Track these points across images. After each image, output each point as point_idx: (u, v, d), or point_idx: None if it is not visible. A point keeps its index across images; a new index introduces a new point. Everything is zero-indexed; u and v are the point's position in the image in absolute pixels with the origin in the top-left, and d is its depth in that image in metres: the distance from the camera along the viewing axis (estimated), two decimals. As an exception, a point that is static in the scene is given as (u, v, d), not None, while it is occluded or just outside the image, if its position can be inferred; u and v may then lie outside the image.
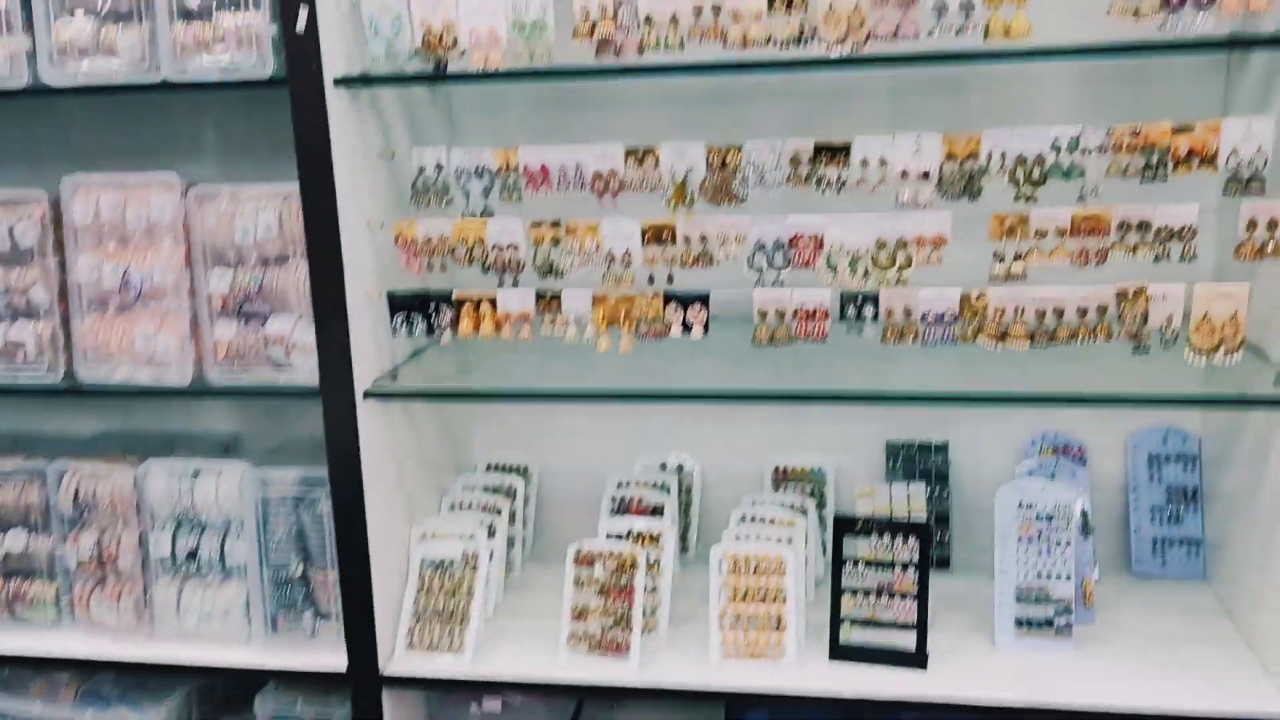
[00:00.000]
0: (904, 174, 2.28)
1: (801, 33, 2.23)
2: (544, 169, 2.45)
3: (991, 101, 2.61)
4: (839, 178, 2.30)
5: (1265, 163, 2.17)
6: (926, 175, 2.26)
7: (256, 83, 2.35)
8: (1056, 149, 2.23)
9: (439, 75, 2.49)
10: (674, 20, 2.31)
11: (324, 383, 2.59)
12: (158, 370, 2.67)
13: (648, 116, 2.74)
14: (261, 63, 2.37)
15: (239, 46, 2.36)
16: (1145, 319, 2.27)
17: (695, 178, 2.34)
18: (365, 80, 2.52)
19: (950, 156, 2.26)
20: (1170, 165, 2.18)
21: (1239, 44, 2.28)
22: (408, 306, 2.59)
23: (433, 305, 2.55)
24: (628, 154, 2.38)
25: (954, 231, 2.27)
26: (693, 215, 2.38)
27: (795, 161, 2.32)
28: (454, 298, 2.49)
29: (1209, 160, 2.18)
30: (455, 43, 2.45)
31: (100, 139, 2.90)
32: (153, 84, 2.40)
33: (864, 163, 2.29)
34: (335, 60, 2.39)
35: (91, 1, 2.41)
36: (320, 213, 2.52)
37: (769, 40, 2.24)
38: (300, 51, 2.32)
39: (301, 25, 2.33)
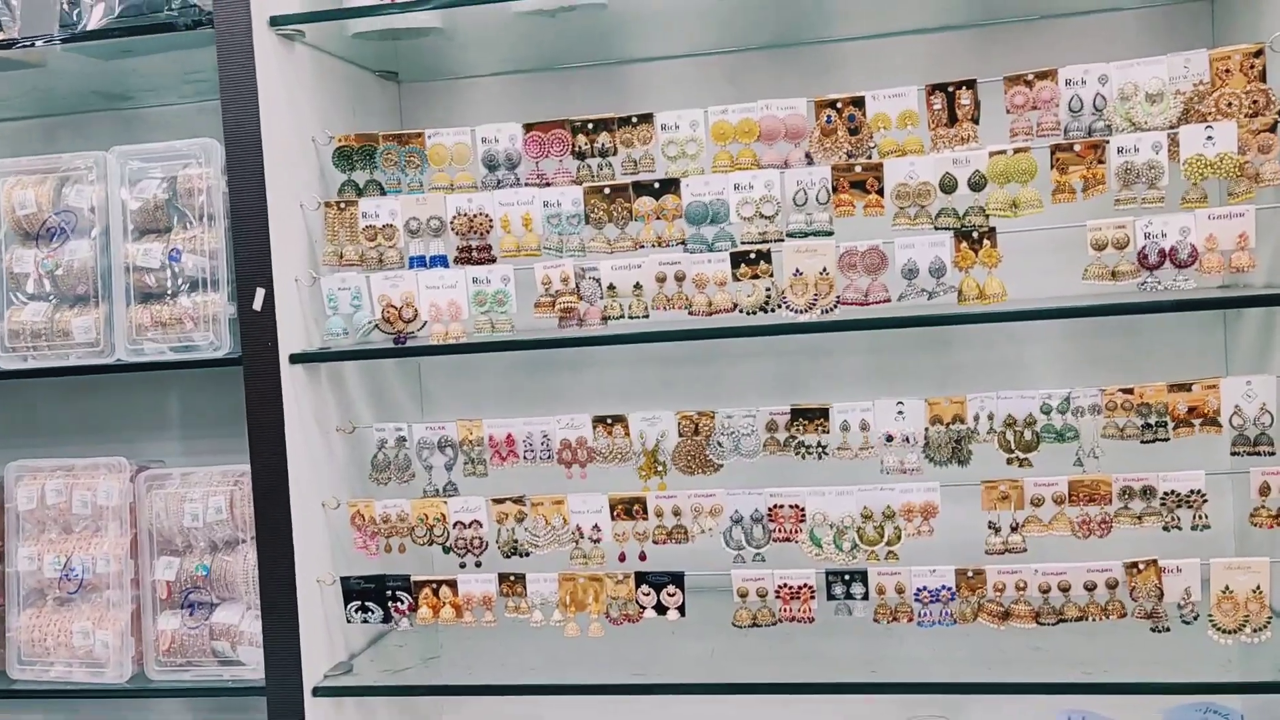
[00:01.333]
0: (889, 438, 2.15)
1: (769, 299, 2.16)
2: (510, 439, 2.30)
3: (977, 356, 2.55)
4: (819, 444, 2.19)
5: (1271, 421, 2.06)
6: (910, 440, 2.14)
7: (212, 361, 2.30)
8: (1047, 410, 2.13)
9: (398, 349, 2.34)
10: (637, 288, 2.20)
11: (270, 679, 2.28)
12: (94, 669, 2.38)
13: (621, 376, 2.69)
14: (218, 342, 2.31)
15: (196, 326, 2.31)
16: (1160, 594, 2.03)
17: (668, 444, 2.24)
18: (323, 356, 2.38)
19: (935, 420, 2.14)
20: (1170, 425, 2.07)
21: (1227, 304, 2.21)
22: (363, 594, 2.33)
23: (390, 591, 2.29)
24: (596, 422, 2.25)
25: (944, 499, 2.14)
26: (665, 486, 2.26)
27: (772, 427, 2.21)
28: (412, 582, 2.23)
29: (1211, 420, 2.07)
30: (415, 315, 2.31)
31: (54, 419, 2.81)
32: (107, 365, 2.32)
33: (844, 427, 2.16)
34: (293, 336, 2.33)
35: (46, 288, 2.37)
36: (271, 493, 2.31)
37: (735, 306, 2.15)
38: (257, 329, 2.28)
39: (259, 304, 2.24)
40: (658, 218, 2.25)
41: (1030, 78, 2.16)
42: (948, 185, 2.15)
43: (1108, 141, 2.08)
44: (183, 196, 2.28)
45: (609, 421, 2.27)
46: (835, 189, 2.18)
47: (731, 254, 2.20)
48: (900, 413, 2.18)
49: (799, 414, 2.21)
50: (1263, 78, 2.05)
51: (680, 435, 2.25)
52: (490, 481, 2.36)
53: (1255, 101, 2.03)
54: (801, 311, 2.16)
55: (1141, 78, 2.09)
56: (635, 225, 2.26)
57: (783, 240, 2.19)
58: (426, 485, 2.36)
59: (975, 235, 2.12)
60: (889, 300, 2.14)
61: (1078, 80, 2.14)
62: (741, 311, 2.19)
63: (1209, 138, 2.01)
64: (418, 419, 2.74)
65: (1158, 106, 2.06)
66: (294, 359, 2.29)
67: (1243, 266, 2.01)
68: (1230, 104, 2.03)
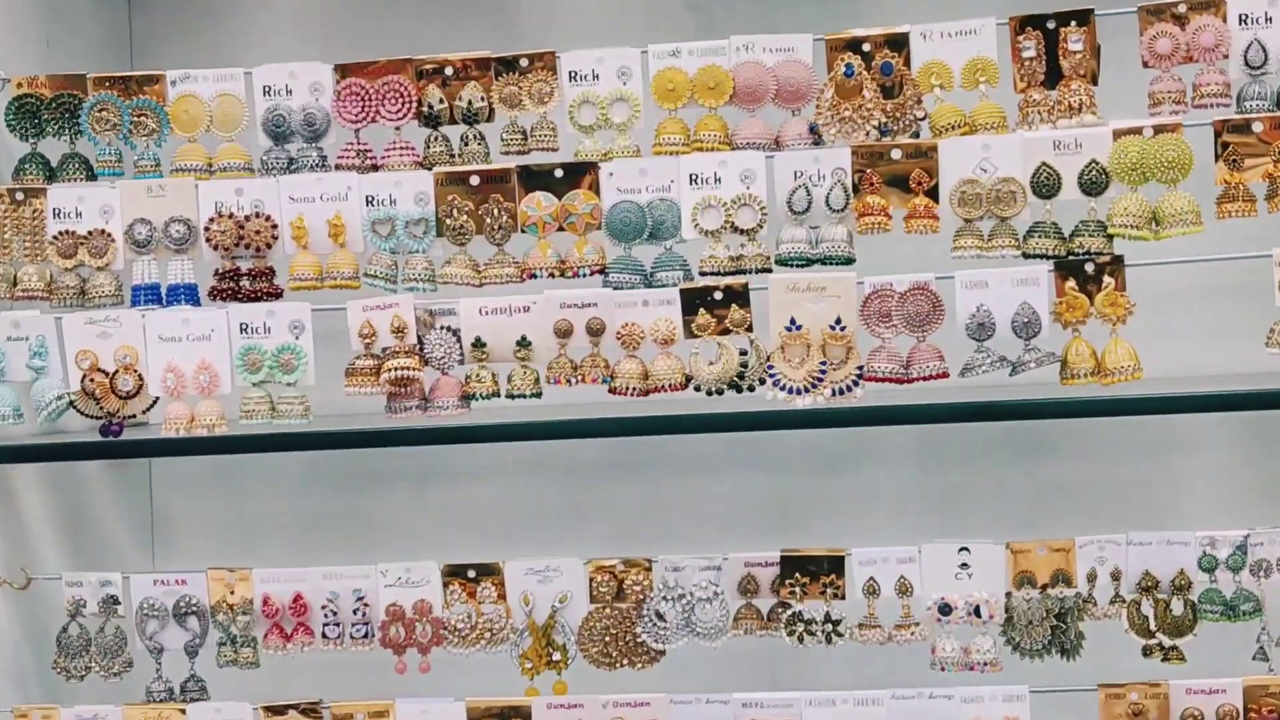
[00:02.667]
0: (945, 608, 2.21)
1: (745, 368, 2.19)
2: (300, 603, 2.31)
3: (1092, 470, 2.60)
4: (828, 618, 2.23)
5: None
6: (981, 612, 2.19)
7: None
8: (1209, 566, 2.17)
9: (109, 445, 2.30)
10: (523, 345, 2.26)
11: None
12: None
13: (494, 495, 2.75)
14: None
15: None
16: None
17: (571, 615, 2.28)
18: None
19: (1024, 580, 2.20)
20: None
21: None
22: None
23: None
24: (449, 575, 2.30)
25: (1038, 710, 2.17)
26: (566, 688, 2.27)
27: (749, 588, 2.27)
28: None
29: None
30: (140, 387, 2.27)
31: None
32: None
33: (871, 590, 2.23)
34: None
35: None
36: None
37: (687, 381, 2.23)
38: None
39: None
40: (561, 227, 2.22)
41: (1182, 9, 2.16)
42: (1046, 184, 2.16)
43: None
44: None
45: (471, 575, 2.25)
46: (859, 186, 2.18)
47: (684, 291, 2.20)
48: (964, 566, 2.18)
49: (794, 565, 2.20)
50: None
51: (593, 600, 2.25)
52: (265, 676, 2.32)
53: None
54: (799, 391, 2.15)
55: None
56: (522, 240, 2.24)
57: (769, 270, 2.19)
58: (152, 683, 2.33)
59: (1091, 269, 2.11)
60: (946, 375, 2.17)
61: (1260, 16, 2.14)
62: (700, 389, 2.18)
63: None
64: (142, 566, 2.70)
65: None
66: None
67: None
68: None
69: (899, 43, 2.22)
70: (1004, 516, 2.57)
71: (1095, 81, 2.19)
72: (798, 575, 2.21)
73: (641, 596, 2.24)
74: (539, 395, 2.23)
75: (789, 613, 2.21)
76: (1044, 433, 2.57)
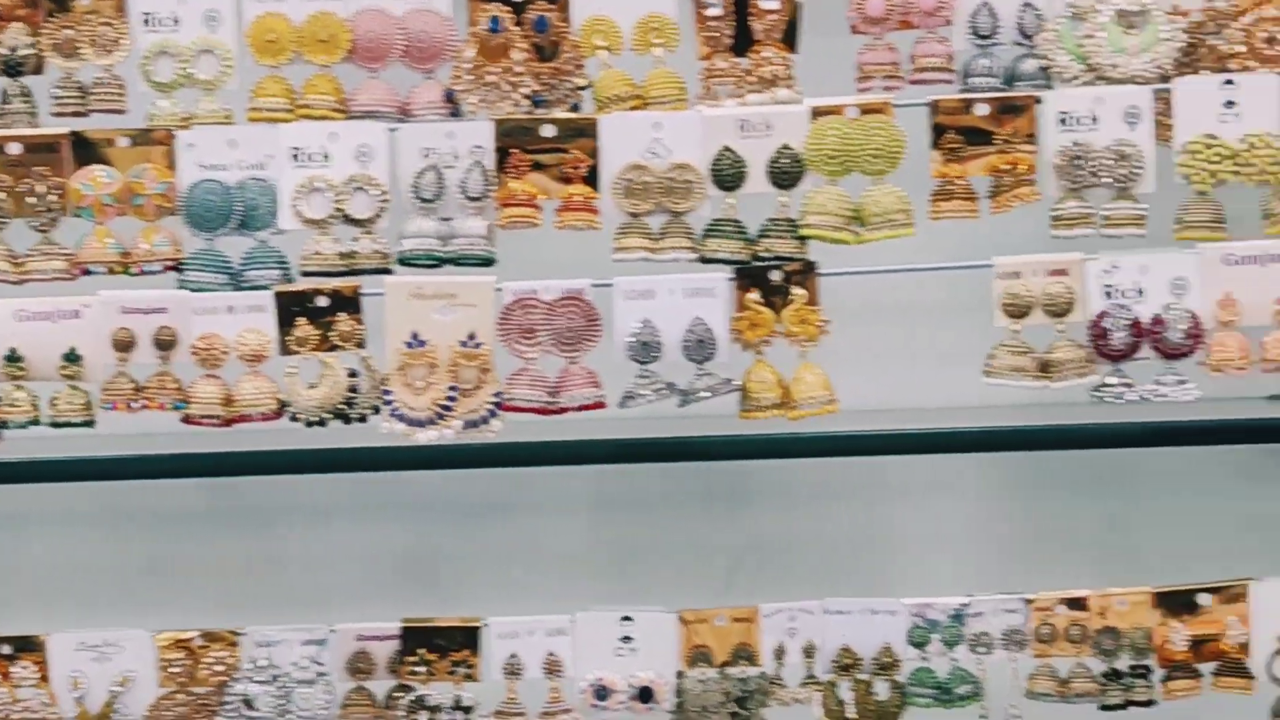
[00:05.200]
0: (601, 692, 2.08)
1: (355, 394, 2.07)
2: None
3: (780, 524, 2.54)
4: (458, 704, 2.09)
5: None
6: (646, 698, 2.06)
7: None
8: (920, 640, 2.08)
9: None
10: (72, 362, 2.05)
11: None
12: None
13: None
14: None
15: None
16: None
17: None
18: None
19: (698, 656, 2.08)
20: (1158, 673, 2.07)
21: (1251, 434, 2.25)
22: None
23: None
24: None
25: None
26: None
27: (360, 666, 2.11)
28: None
29: (1234, 667, 2.06)
30: None
31: None
32: None
33: (512, 670, 2.07)
34: None
35: None
36: None
37: (281, 408, 2.10)
38: None
39: None
40: (125, 211, 2.12)
41: None
42: (729, 173, 2.04)
43: (1039, 100, 2.01)
44: None
45: (5, 652, 2.13)
46: (504, 168, 2.06)
47: (280, 295, 2.10)
48: (627, 639, 2.11)
49: (418, 639, 2.13)
50: None
51: (163, 683, 2.14)
52: None
53: None
54: (422, 423, 2.02)
55: None
56: (75, 225, 2.13)
57: (388, 272, 2.07)
58: None
59: (778, 277, 2.04)
60: (603, 405, 2.06)
61: None
62: (298, 419, 2.08)
63: (1229, 104, 1.98)
64: None
65: (1137, 36, 2.02)
66: None
67: None
68: (1274, 37, 2.01)
69: None
70: (683, 578, 2.50)
71: (795, 49, 2.03)
72: (423, 651, 2.11)
73: (224, 678, 2.10)
74: (91, 424, 2.09)
75: (410, 698, 2.11)
76: (731, 478, 2.49)
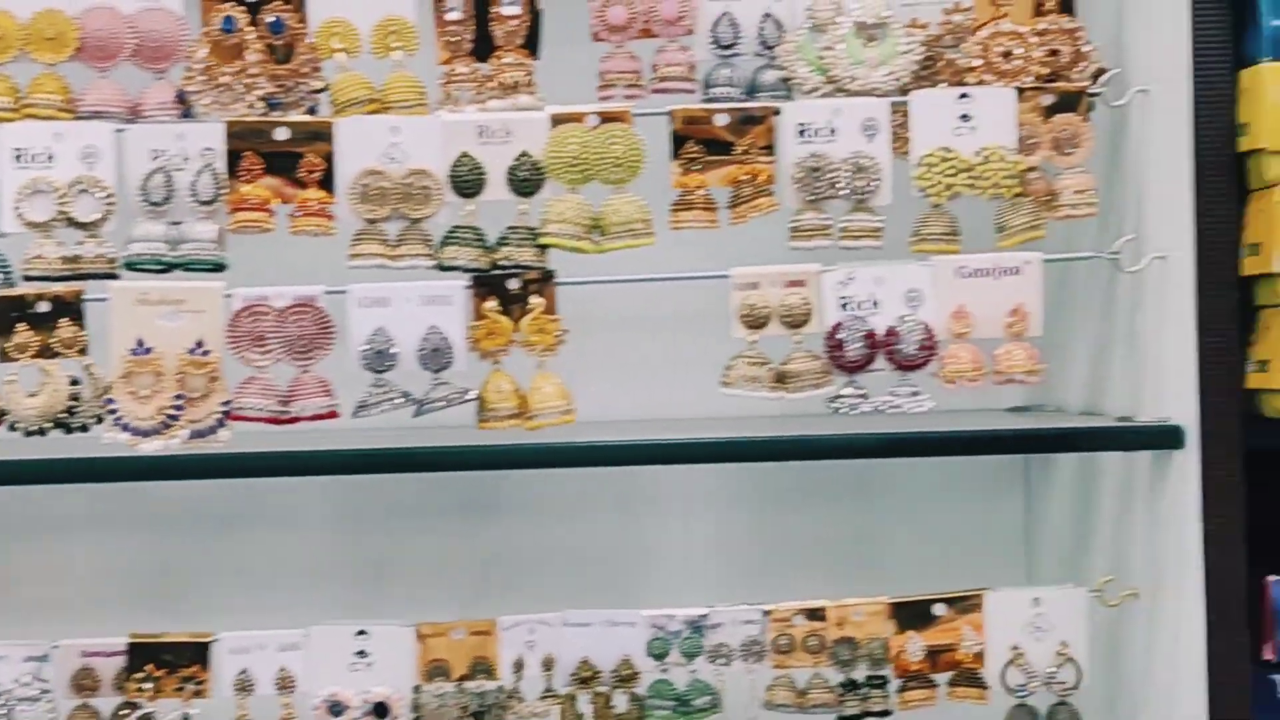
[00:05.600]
0: (335, 708, 2.03)
1: (76, 401, 2.00)
2: None
3: (522, 536, 2.52)
4: None
5: (1077, 679, 2.04)
6: (379, 711, 2.02)
7: None
8: (659, 652, 2.06)
9: None
10: None
11: None
12: None
13: None
14: None
15: None
16: None
17: None
18: None
19: (435, 670, 2.04)
20: (894, 683, 2.07)
21: (976, 446, 2.19)
22: None
23: None
24: None
25: None
26: None
27: (83, 684, 2.03)
28: None
29: (969, 677, 2.07)
30: None
31: None
32: None
33: (242, 686, 2.02)
34: None
35: None
36: None
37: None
38: None
39: None
40: None
41: None
42: (468, 179, 2.02)
43: (777, 112, 2.02)
44: None
45: None
46: (236, 172, 2.02)
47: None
48: (363, 654, 2.05)
49: (146, 654, 2.05)
50: (1068, 6, 2.04)
51: None
52: None
53: (1053, 52, 2.02)
54: (147, 433, 1.98)
55: None
56: None
57: (114, 276, 2.01)
58: None
59: (516, 286, 2.04)
60: (336, 414, 2.01)
61: None
62: (17, 428, 2.01)
63: (965, 117, 2.00)
64: None
65: (878, 48, 2.03)
66: None
67: (1017, 373, 1.99)
68: (1010, 52, 2.02)
69: None
70: (425, 592, 2.45)
71: (536, 55, 2.01)
72: (150, 667, 2.02)
73: None
74: None
75: (136, 715, 2.03)
76: (474, 489, 2.47)
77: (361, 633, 2.03)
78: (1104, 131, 2.02)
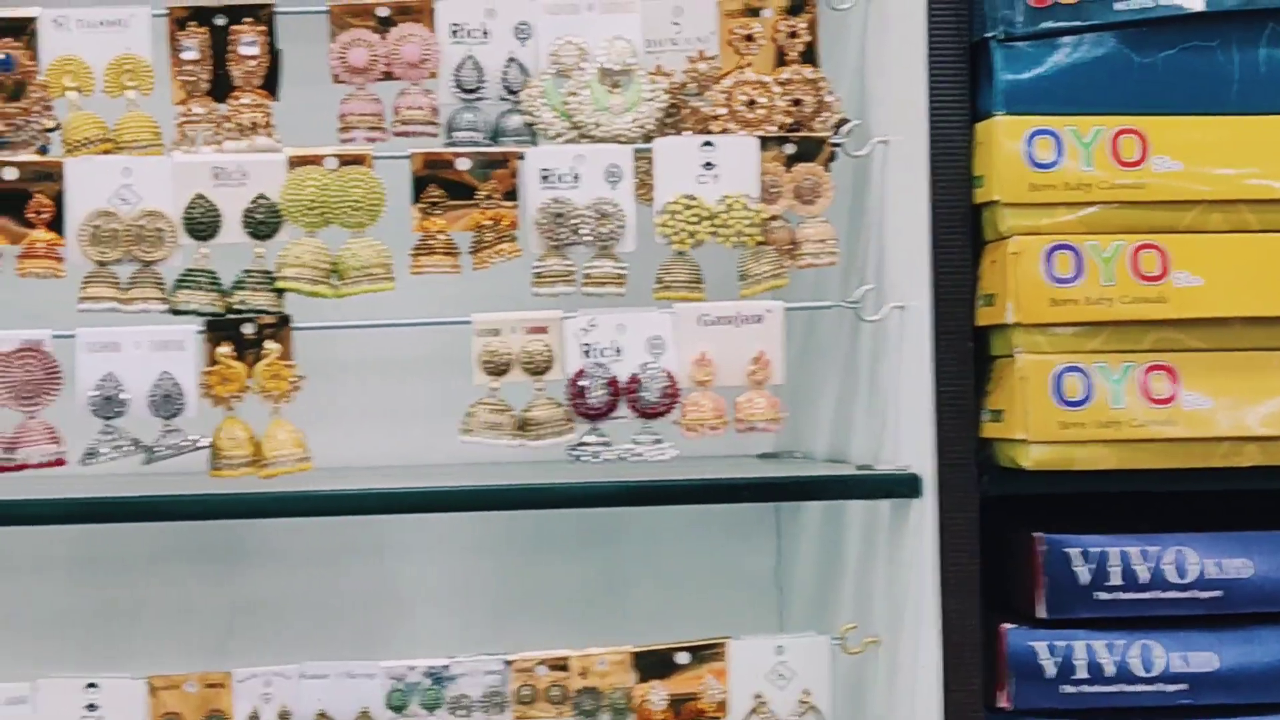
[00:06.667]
0: None
1: None
2: None
3: (264, 586, 2.47)
4: None
5: None
6: None
7: None
8: (398, 704, 2.02)
9: None
10: None
11: None
12: None
13: None
14: None
15: None
16: None
17: None
18: None
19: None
20: None
21: (713, 494, 2.16)
22: None
23: None
24: None
25: None
26: None
27: None
28: None
29: None
30: None
31: None
32: None
33: None
34: None
35: None
36: None
37: None
38: None
39: None
40: None
41: (384, 12, 2.03)
42: (202, 222, 1.98)
43: (521, 157, 2.02)
44: None
45: None
46: None
47: None
48: (93, 707, 1.97)
49: None
50: (811, 57, 2.06)
51: None
52: None
53: (796, 101, 2.03)
54: None
55: (595, 35, 2.05)
56: None
57: None
58: None
59: (251, 331, 1.98)
60: (63, 462, 1.95)
61: (477, 29, 2.05)
62: None
63: (708, 165, 2.01)
64: None
65: (623, 95, 2.04)
66: None
67: (758, 421, 1.99)
68: (754, 101, 2.03)
69: (22, 28, 1.96)
70: (183, 643, 2.40)
71: (275, 96, 1.99)
72: None
73: None
74: None
75: None
76: (216, 537, 2.42)
77: (91, 685, 1.96)
78: (846, 181, 2.03)
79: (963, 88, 1.92)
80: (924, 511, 1.91)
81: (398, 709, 1.99)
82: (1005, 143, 1.88)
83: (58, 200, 1.90)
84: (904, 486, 1.92)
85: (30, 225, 1.90)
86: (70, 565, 2.43)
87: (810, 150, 1.97)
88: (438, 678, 1.99)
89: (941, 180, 1.92)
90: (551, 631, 2.17)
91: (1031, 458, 1.87)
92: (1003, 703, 1.93)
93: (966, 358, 1.93)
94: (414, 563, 2.49)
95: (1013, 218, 1.89)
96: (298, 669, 1.99)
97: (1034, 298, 1.87)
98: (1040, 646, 1.92)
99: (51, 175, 1.90)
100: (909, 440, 1.95)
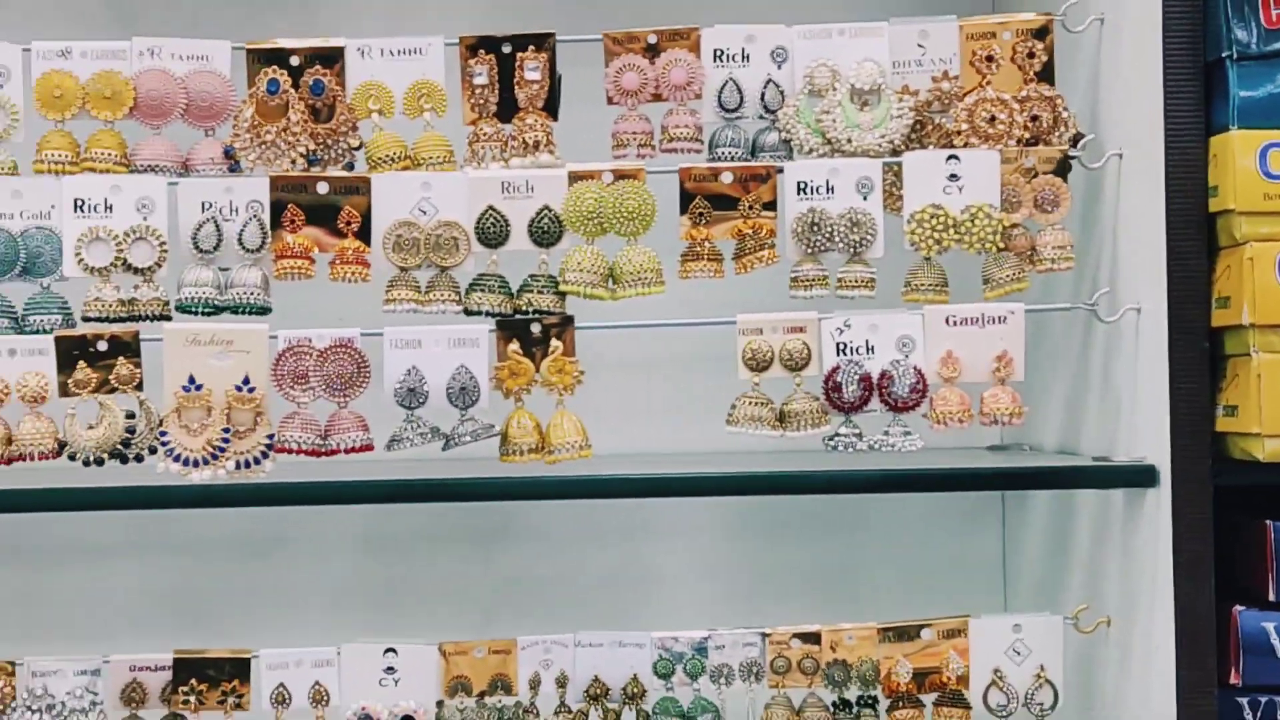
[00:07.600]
0: None
1: (133, 434, 2.03)
2: None
3: (539, 563, 2.57)
4: None
5: (1055, 700, 2.10)
6: None
7: None
8: (665, 671, 2.12)
9: None
10: None
11: None
12: None
13: None
14: None
15: None
16: None
17: None
18: None
19: (458, 687, 2.09)
20: (883, 703, 2.11)
21: (961, 482, 2.24)
22: None
23: None
24: None
25: None
26: None
27: (133, 696, 2.07)
28: None
29: (953, 698, 2.11)
30: None
31: None
32: None
33: (280, 699, 2.06)
34: None
35: None
36: None
37: (60, 447, 2.05)
38: None
39: None
40: None
41: (653, 40, 2.12)
42: (492, 231, 2.09)
43: (779, 170, 2.10)
44: None
45: None
46: (280, 222, 2.09)
47: (60, 338, 2.06)
48: (391, 670, 2.09)
49: (190, 669, 2.09)
50: (1048, 75, 2.12)
51: None
52: None
53: (1035, 118, 2.09)
54: (197, 463, 2.03)
55: (846, 58, 2.12)
56: None
57: (168, 318, 2.08)
58: None
59: (538, 330, 2.08)
60: (371, 447, 2.08)
61: (737, 54, 2.13)
62: (76, 458, 2.05)
63: (953, 177, 2.07)
64: None
65: (872, 113, 2.10)
66: None
67: (1002, 416, 2.05)
68: (994, 117, 2.09)
69: (333, 58, 2.08)
70: (446, 613, 2.51)
71: (555, 116, 2.10)
72: (194, 681, 2.06)
73: (1, 708, 2.04)
74: None
75: None
76: (492, 518, 2.52)
77: (390, 650, 2.07)
78: (1078, 192, 2.09)
79: (1198, 104, 1.97)
80: (1160, 500, 1.97)
81: (664, 676, 2.08)
82: (1240, 156, 1.93)
83: (364, 212, 2.03)
84: (1142, 477, 1.99)
85: (340, 234, 2.03)
86: (366, 543, 2.55)
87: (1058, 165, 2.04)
88: (701, 648, 2.08)
89: (1177, 190, 1.97)
90: (798, 608, 2.26)
91: (1266, 450, 1.92)
92: (1234, 679, 1.97)
93: (1201, 357, 1.98)
94: (676, 543, 2.56)
95: (1248, 225, 1.94)
96: (574, 638, 2.09)
97: (1269, 300, 1.92)
98: (1271, 627, 1.97)
99: (359, 189, 2.03)
100: (1145, 433, 2.01)
